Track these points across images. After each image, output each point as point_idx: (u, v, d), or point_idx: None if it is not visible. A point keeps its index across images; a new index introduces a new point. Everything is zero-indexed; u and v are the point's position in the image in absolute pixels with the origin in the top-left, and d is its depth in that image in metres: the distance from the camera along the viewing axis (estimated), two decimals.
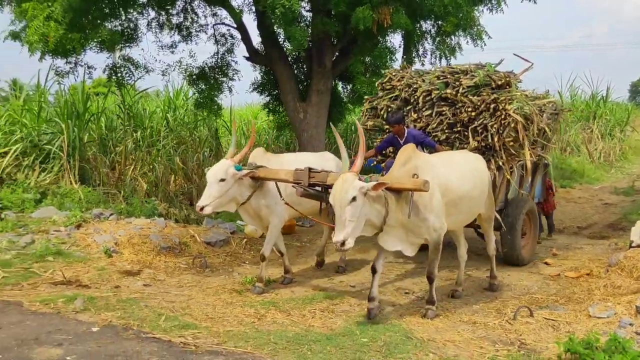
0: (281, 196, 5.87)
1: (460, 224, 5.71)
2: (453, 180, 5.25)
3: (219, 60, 12.01)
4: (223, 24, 11.91)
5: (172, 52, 11.94)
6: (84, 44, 9.60)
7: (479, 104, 6.69)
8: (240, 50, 11.92)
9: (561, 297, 5.78)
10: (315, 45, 10.57)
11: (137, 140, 11.35)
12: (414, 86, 7.31)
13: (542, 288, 6.26)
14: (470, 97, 6.79)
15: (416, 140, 6.18)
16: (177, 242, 7.42)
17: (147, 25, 11.39)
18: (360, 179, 4.57)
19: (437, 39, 11.62)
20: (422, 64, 11.83)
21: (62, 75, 10.72)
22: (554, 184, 9.34)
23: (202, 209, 5.52)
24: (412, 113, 7.24)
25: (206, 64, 11.98)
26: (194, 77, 11.91)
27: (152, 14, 11.26)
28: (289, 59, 11.29)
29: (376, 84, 8.01)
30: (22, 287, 5.57)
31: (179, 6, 11.56)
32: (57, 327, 4.50)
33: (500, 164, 6.60)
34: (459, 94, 6.89)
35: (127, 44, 11.12)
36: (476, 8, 10.69)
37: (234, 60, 12.13)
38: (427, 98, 7.13)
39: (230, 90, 12.22)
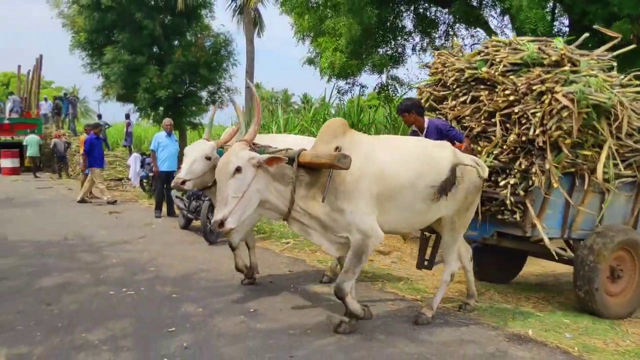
0: None
1: (406, 225, 4.53)
2: (388, 164, 4.14)
3: None
4: (478, 44, 13.01)
5: None
6: (360, 67, 11.93)
7: (520, 85, 5.08)
8: None
9: None
10: None
11: None
12: (451, 67, 5.92)
13: None
14: (513, 77, 5.19)
15: (439, 132, 5.22)
16: None
17: (412, 49, 13.19)
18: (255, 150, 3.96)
19: None
20: None
21: (343, 93, 13.43)
22: None
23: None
24: (451, 100, 5.88)
25: None
26: None
27: (417, 39, 13.02)
28: None
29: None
30: (306, 251, 7.68)
31: (441, 30, 13.09)
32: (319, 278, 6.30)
33: (547, 167, 4.88)
34: (497, 74, 5.32)
35: (394, 66, 13.08)
36: None
37: None
38: (462, 80, 5.72)
39: None
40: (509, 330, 4.55)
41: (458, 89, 5.77)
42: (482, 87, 5.52)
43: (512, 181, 5.10)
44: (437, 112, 5.98)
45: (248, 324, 4.39)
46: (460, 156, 4.60)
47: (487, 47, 5.69)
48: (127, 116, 23.14)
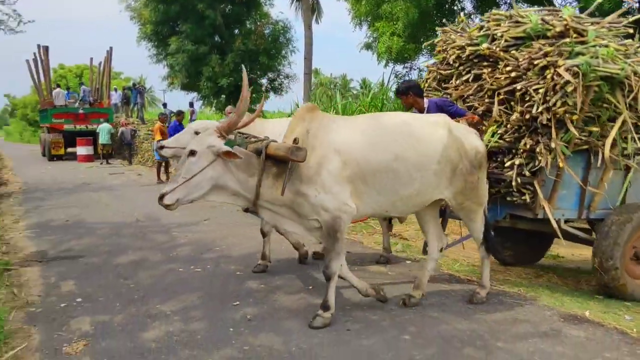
0: None
1: (392, 209, 4.31)
2: (357, 148, 3.97)
3: None
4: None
5: None
6: (417, 52, 11.86)
7: (521, 60, 4.81)
8: None
9: None
10: None
11: None
12: (452, 44, 5.66)
13: None
14: (515, 52, 4.95)
15: (439, 109, 4.99)
16: None
17: None
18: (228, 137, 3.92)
19: None
20: None
21: (400, 77, 13.32)
22: None
23: None
24: (455, 79, 5.65)
25: None
26: None
27: (477, 21, 12.77)
28: None
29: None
30: (363, 233, 7.86)
31: (503, 10, 12.78)
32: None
33: (552, 145, 4.62)
34: (498, 49, 5.06)
35: None
36: None
37: None
38: (464, 58, 5.48)
39: None
40: (565, 310, 4.56)
41: (461, 67, 5.56)
42: (485, 64, 5.28)
43: (517, 162, 4.90)
44: (443, 92, 5.80)
45: (307, 299, 4.64)
46: (458, 134, 4.28)
47: (488, 22, 5.44)
48: (191, 104, 23.96)
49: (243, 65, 4.70)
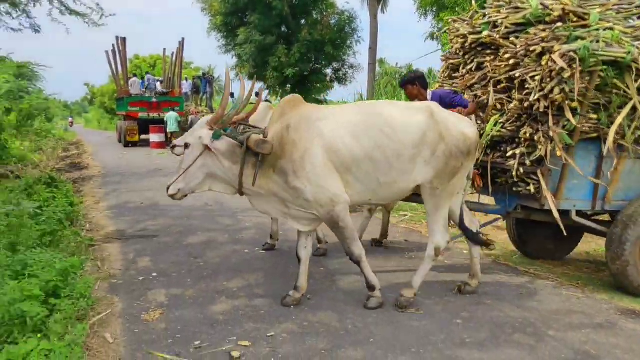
0: None
1: (374, 197, 4.30)
2: (338, 138, 4.03)
3: None
4: None
5: None
6: None
7: (519, 47, 4.70)
8: None
9: None
10: None
11: None
12: (455, 33, 5.58)
13: None
14: (513, 39, 4.86)
15: (443, 101, 4.95)
16: None
17: None
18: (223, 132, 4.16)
19: None
20: None
21: None
22: None
23: None
24: (462, 68, 5.60)
25: None
26: None
27: None
28: None
29: None
30: (422, 223, 7.97)
31: None
32: None
33: (551, 134, 4.46)
34: (499, 37, 4.96)
35: None
36: None
37: None
38: (467, 46, 5.40)
39: None
40: (623, 305, 4.55)
41: (466, 56, 5.48)
42: (488, 52, 5.19)
43: (518, 151, 4.79)
44: (452, 82, 5.74)
45: (362, 282, 4.84)
46: (441, 119, 4.16)
47: (491, 9, 5.31)
48: (257, 94, 24.54)
49: (226, 64, 4.88)
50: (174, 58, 25.27)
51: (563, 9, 4.60)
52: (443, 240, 4.33)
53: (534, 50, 4.57)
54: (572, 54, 4.29)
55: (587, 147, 4.69)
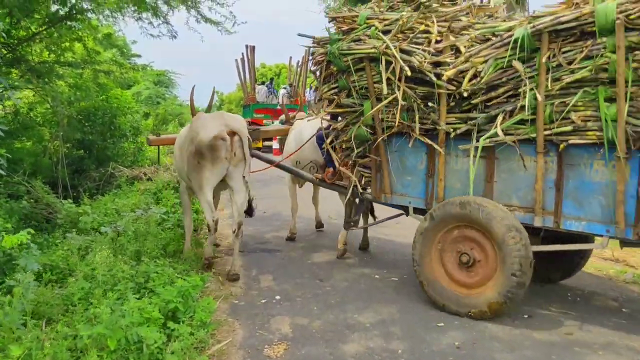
0: None
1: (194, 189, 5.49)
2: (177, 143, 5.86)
3: None
4: None
5: None
6: None
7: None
8: None
9: None
10: None
11: None
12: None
13: None
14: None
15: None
16: None
17: None
18: None
19: None
20: None
21: None
22: None
23: None
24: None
25: None
26: None
27: None
28: None
29: None
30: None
31: None
32: (611, 287, 5.47)
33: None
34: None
35: None
36: None
37: None
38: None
39: None
40: None
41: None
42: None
43: (344, 145, 5.23)
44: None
45: (521, 329, 4.01)
46: (195, 126, 5.24)
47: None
48: None
49: (194, 86, 5.85)
50: (298, 67, 25.48)
51: (336, 18, 4.97)
52: (209, 217, 5.27)
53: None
54: (324, 57, 4.99)
55: (417, 144, 4.61)
